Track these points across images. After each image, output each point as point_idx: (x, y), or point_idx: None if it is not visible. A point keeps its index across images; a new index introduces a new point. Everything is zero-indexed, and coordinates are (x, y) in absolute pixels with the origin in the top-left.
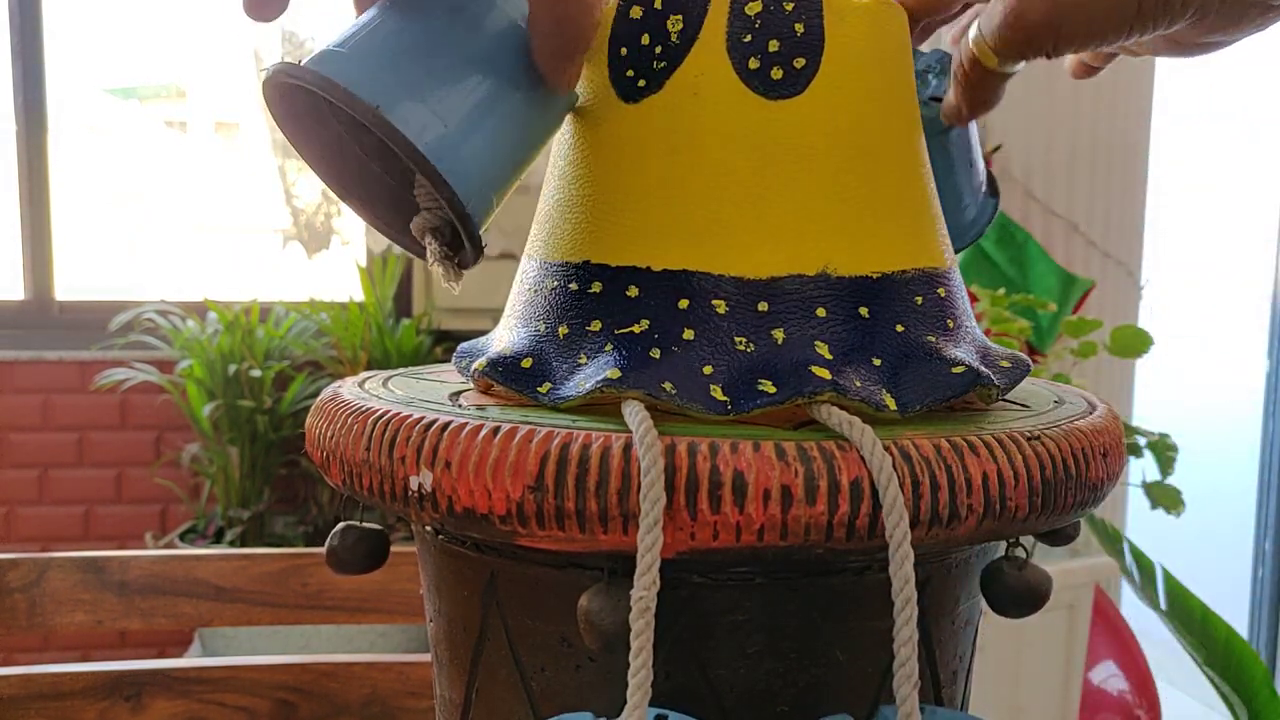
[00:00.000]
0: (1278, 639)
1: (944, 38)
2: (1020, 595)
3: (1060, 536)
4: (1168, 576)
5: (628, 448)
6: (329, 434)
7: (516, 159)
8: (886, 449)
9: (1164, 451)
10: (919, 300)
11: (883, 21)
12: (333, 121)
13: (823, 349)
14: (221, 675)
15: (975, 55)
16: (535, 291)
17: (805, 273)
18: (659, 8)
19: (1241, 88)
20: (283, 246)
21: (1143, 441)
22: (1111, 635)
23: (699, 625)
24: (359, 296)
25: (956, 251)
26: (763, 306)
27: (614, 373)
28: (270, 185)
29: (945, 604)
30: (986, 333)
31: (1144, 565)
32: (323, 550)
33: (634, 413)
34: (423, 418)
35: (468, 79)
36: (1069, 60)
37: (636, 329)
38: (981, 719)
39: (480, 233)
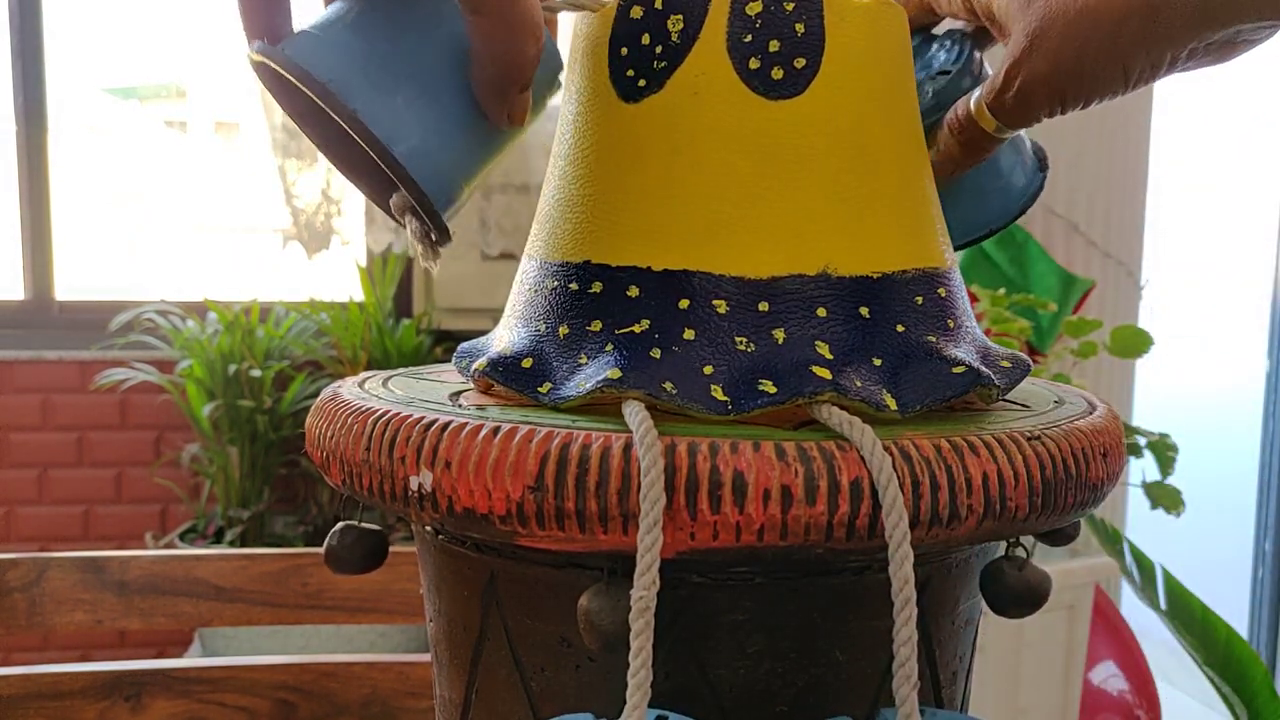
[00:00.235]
0: (1278, 639)
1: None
2: (1020, 595)
3: (1060, 536)
4: (1168, 576)
5: (628, 448)
6: (329, 434)
7: (481, 155)
8: (886, 449)
9: (1164, 451)
10: (919, 300)
11: (883, 21)
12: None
13: (823, 349)
14: (221, 675)
15: (974, 118)
16: (536, 291)
17: (806, 272)
18: (659, 7)
19: (1242, 88)
20: (283, 246)
21: (1143, 441)
22: (1111, 635)
23: (699, 625)
24: (359, 296)
25: (1000, 225)
26: (763, 306)
27: (614, 373)
28: (270, 185)
29: (945, 604)
30: (987, 333)
31: (1144, 565)
32: (322, 550)
33: (634, 413)
34: (423, 418)
35: (433, 77)
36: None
37: (637, 329)
38: None
39: (445, 218)
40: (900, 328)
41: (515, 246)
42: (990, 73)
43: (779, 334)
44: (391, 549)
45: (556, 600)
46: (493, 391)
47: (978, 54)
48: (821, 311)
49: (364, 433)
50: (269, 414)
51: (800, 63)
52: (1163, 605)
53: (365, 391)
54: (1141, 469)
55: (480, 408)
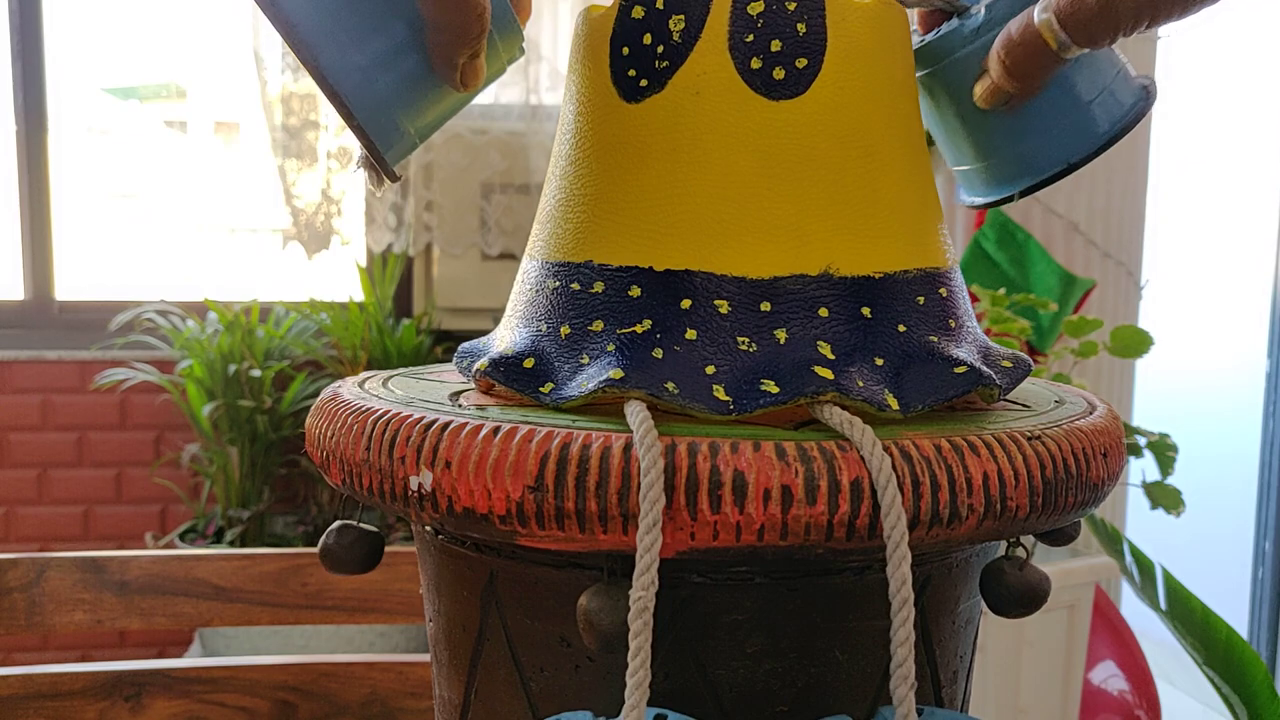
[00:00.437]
0: (1278, 639)
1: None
2: (1020, 595)
3: (1060, 536)
4: (1168, 576)
5: (628, 448)
6: (329, 434)
7: (428, 105)
8: (887, 449)
9: (1164, 451)
10: (921, 300)
11: (884, 21)
12: None
13: (825, 349)
14: (221, 675)
15: (1036, 34)
16: (537, 291)
17: (808, 273)
18: (661, 7)
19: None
20: (283, 246)
21: (1143, 441)
22: (1111, 635)
23: (699, 625)
24: (359, 296)
25: (1085, 157)
26: (765, 306)
27: (617, 373)
28: (270, 185)
29: (946, 604)
30: (987, 332)
31: (1144, 565)
32: (318, 549)
33: (635, 413)
34: (423, 418)
35: (385, 29)
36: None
37: (639, 329)
38: None
39: (387, 157)
40: (902, 328)
41: (515, 246)
42: None
43: (781, 334)
44: (391, 549)
45: (556, 600)
46: (494, 391)
47: None
48: (823, 311)
49: (364, 433)
50: (269, 414)
51: (802, 63)
52: (1163, 605)
53: (365, 391)
54: (1141, 469)
55: (480, 408)
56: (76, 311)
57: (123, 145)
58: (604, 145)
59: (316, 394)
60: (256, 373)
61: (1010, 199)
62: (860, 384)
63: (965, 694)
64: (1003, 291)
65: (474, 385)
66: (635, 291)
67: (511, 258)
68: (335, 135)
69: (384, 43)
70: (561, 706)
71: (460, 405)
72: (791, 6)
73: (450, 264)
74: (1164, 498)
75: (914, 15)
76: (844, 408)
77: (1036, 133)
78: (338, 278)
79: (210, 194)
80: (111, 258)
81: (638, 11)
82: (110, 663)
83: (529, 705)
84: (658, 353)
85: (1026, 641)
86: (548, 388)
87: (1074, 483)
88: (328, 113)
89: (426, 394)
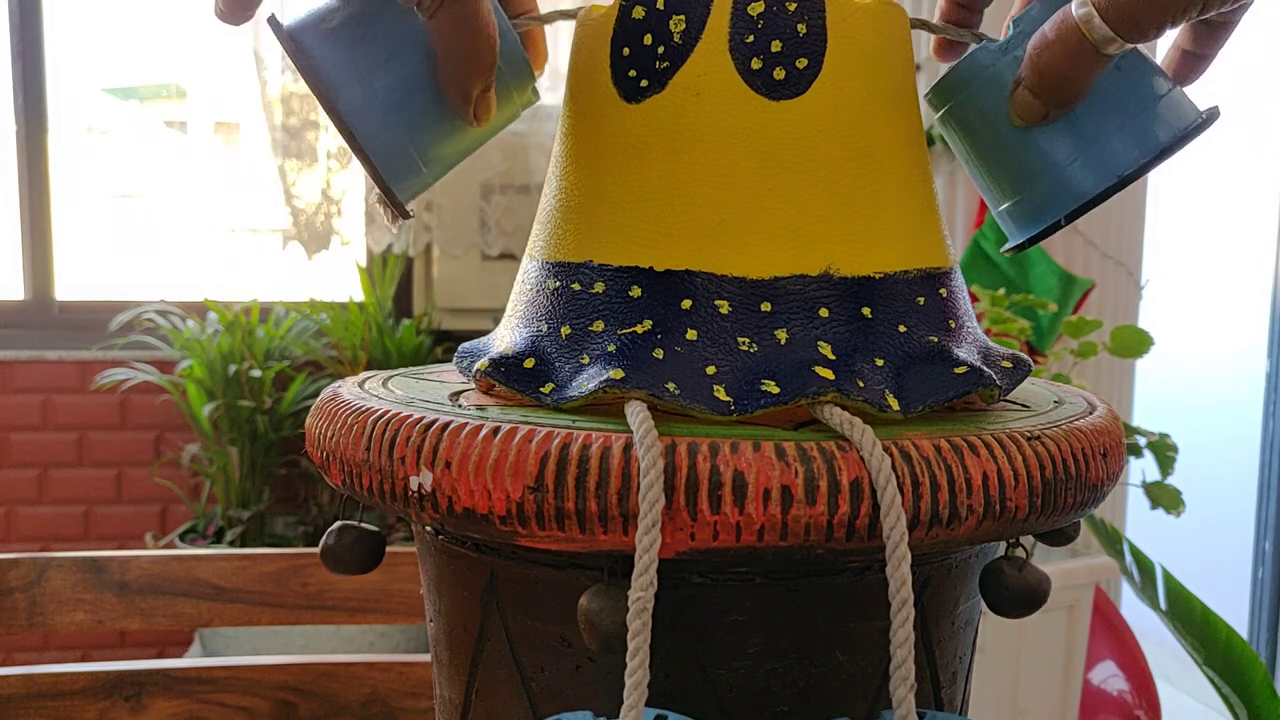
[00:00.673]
0: (1278, 639)
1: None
2: (1020, 596)
3: (1060, 536)
4: (1168, 576)
5: (628, 448)
6: (329, 434)
7: (444, 144)
8: (886, 449)
9: (1164, 451)
10: (921, 300)
11: (885, 22)
12: None
13: (825, 349)
14: (221, 675)
15: (1077, 30)
16: (537, 292)
17: (808, 273)
18: (661, 8)
19: (1242, 88)
20: (283, 246)
21: (1143, 441)
22: (1111, 635)
23: (699, 625)
24: (359, 296)
25: (1137, 171)
26: (765, 307)
27: (617, 373)
28: (270, 185)
29: (945, 605)
30: (987, 332)
31: (1144, 565)
32: (318, 549)
33: (635, 413)
34: (423, 418)
35: (405, 66)
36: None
37: (639, 329)
38: None
39: (399, 195)
40: (902, 328)
41: (515, 246)
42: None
43: (781, 334)
44: (391, 549)
45: (556, 600)
46: (494, 392)
47: None
48: (824, 312)
49: (364, 433)
50: (269, 414)
51: (802, 63)
52: (1163, 605)
53: (365, 391)
54: (1141, 469)
55: (480, 408)
56: (76, 311)
57: (123, 145)
58: (604, 145)
59: (316, 394)
60: (256, 373)
61: (1058, 226)
62: (861, 384)
63: (965, 695)
64: (1002, 292)
65: (474, 385)
66: (636, 292)
67: (511, 258)
68: (335, 135)
69: (398, 77)
70: (562, 706)
71: (460, 405)
72: (792, 7)
73: (450, 264)
74: (1164, 498)
75: (929, 42)
76: (845, 408)
77: (1083, 145)
78: (338, 278)
79: (210, 194)
80: (111, 258)
81: (638, 12)
82: (110, 663)
83: (529, 705)
84: (658, 353)
85: (1026, 642)
86: (548, 388)
87: (1073, 483)
88: None
89: (426, 394)
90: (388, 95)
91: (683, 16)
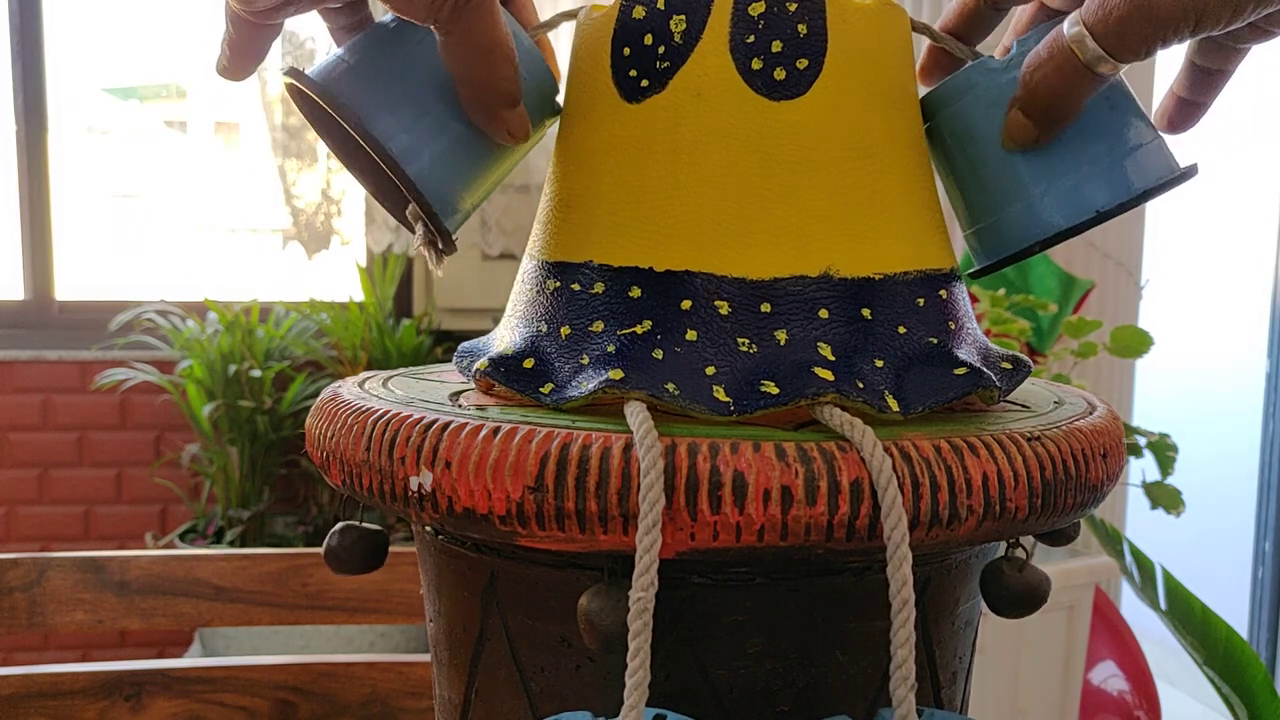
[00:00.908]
0: (1278, 639)
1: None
2: (1020, 596)
3: (1060, 537)
4: (1168, 576)
5: (628, 448)
6: (329, 434)
7: (482, 168)
8: (886, 450)
9: (1164, 451)
10: (921, 302)
11: (885, 22)
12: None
13: (825, 350)
14: (221, 675)
15: (1069, 49)
16: (537, 291)
17: (808, 274)
18: (662, 8)
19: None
20: (283, 246)
21: (1143, 441)
22: (1111, 635)
23: (699, 625)
24: (359, 296)
25: (1119, 205)
26: (765, 307)
27: (617, 373)
28: (270, 185)
29: (945, 605)
30: (987, 333)
31: (1144, 565)
32: (322, 550)
33: (635, 413)
34: (423, 418)
35: (436, 99)
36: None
37: (639, 330)
38: None
39: (448, 227)
40: (902, 329)
41: (515, 246)
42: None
43: (781, 335)
44: (391, 549)
45: (556, 600)
46: (494, 392)
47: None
48: (823, 313)
49: (364, 433)
50: (269, 414)
51: (803, 63)
52: (1163, 605)
53: (365, 391)
54: (1141, 469)
55: (480, 408)
56: (77, 311)
57: (123, 145)
58: (604, 145)
59: (316, 394)
60: (257, 373)
61: (1031, 251)
62: (860, 385)
63: (965, 695)
64: (1002, 292)
65: (474, 385)
66: (635, 292)
67: (511, 258)
68: None
69: (434, 116)
70: (562, 706)
71: (460, 405)
72: (792, 8)
73: (450, 264)
74: (1164, 498)
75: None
76: (844, 409)
77: (1058, 178)
78: (338, 278)
79: (210, 194)
80: (111, 258)
81: (639, 12)
82: (110, 663)
83: (529, 705)
84: (658, 353)
85: (1026, 642)
86: (548, 388)
87: (1073, 484)
88: None
89: (426, 394)
90: (431, 133)
91: (683, 16)
